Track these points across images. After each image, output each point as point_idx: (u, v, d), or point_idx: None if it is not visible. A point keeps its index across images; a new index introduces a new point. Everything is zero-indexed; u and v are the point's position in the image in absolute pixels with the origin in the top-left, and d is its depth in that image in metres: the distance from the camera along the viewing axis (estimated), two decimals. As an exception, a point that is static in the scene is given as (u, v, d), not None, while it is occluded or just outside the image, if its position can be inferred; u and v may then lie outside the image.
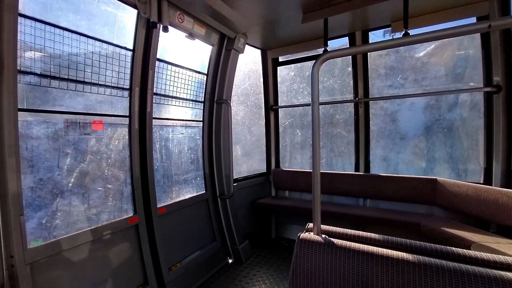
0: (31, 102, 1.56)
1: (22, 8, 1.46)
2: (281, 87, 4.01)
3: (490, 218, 2.31)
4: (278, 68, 3.96)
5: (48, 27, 1.59)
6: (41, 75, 1.60)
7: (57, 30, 1.63)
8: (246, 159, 3.86)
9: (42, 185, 1.61)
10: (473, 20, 2.61)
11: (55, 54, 1.65)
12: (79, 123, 1.79)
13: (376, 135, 3.30)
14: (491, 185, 2.52)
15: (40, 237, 1.59)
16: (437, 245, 0.98)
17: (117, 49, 2.01)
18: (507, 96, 2.46)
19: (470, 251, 0.93)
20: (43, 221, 1.61)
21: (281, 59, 3.92)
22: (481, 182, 2.67)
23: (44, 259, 1.58)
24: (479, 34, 2.64)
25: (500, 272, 0.81)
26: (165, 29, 2.18)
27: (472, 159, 2.81)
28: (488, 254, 0.90)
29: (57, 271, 1.65)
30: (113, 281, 1.96)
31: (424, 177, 2.93)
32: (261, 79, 3.94)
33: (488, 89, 2.55)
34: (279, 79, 3.99)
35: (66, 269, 1.70)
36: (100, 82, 1.92)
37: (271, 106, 3.96)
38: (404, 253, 0.95)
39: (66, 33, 1.68)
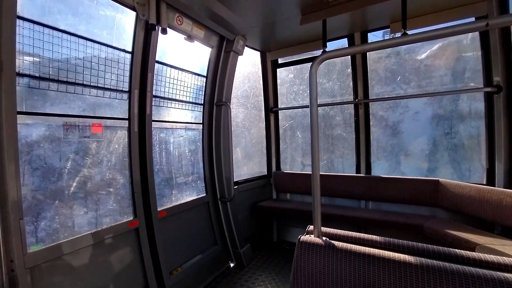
0: (30, 105, 1.55)
1: (21, 10, 1.45)
2: (280, 89, 4.01)
3: (494, 220, 2.28)
4: (278, 70, 3.95)
5: (46, 30, 1.59)
6: (40, 78, 1.59)
7: (56, 32, 1.63)
8: (247, 161, 3.84)
9: (40, 188, 1.59)
10: (471, 20, 2.61)
11: (54, 56, 1.64)
12: (78, 126, 1.78)
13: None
14: (494, 186, 2.50)
15: (40, 241, 1.57)
16: (441, 247, 0.96)
17: (116, 52, 2.00)
18: (508, 96, 2.45)
19: (475, 253, 0.91)
20: (42, 225, 1.59)
21: (280, 60, 3.92)
22: (484, 183, 2.65)
23: (45, 263, 1.56)
24: (478, 35, 2.64)
25: (506, 274, 0.79)
26: (164, 31, 2.18)
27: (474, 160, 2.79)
28: (493, 256, 0.88)
29: (58, 275, 1.63)
30: (113, 285, 1.94)
31: (426, 178, 2.90)
32: (261, 81, 3.94)
33: (488, 89, 2.54)
34: (278, 81, 3.98)
35: (66, 273, 1.68)
36: (99, 85, 1.91)
37: (271, 108, 3.96)
38: (407, 256, 0.93)
39: (64, 35, 1.67)
